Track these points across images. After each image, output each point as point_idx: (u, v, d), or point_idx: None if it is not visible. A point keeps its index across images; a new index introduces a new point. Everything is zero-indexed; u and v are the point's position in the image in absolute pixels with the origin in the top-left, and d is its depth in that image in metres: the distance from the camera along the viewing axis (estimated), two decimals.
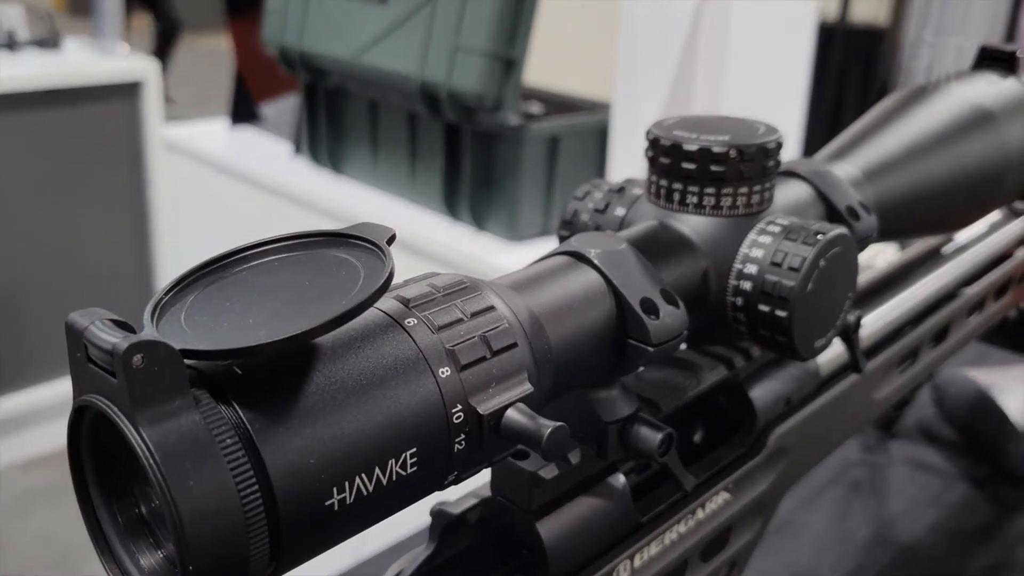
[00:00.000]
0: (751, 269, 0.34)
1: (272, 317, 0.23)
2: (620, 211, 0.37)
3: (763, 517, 0.40)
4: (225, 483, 0.21)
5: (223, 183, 1.57)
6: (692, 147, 0.33)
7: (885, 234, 0.42)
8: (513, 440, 0.26)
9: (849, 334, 0.41)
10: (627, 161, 1.08)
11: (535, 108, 1.31)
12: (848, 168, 0.41)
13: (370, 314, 0.25)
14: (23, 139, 1.73)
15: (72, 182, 1.81)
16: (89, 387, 0.21)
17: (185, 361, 0.21)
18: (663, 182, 0.35)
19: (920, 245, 0.54)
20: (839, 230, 0.34)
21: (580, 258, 0.31)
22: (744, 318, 0.34)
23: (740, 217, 0.34)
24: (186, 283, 0.24)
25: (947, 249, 0.54)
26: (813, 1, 1.02)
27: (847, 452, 0.76)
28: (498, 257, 1.17)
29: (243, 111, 1.72)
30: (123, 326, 0.21)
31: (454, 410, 0.25)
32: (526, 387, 0.26)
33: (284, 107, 1.76)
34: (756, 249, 0.34)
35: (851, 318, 0.40)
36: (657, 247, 0.34)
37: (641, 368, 0.34)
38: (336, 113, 1.43)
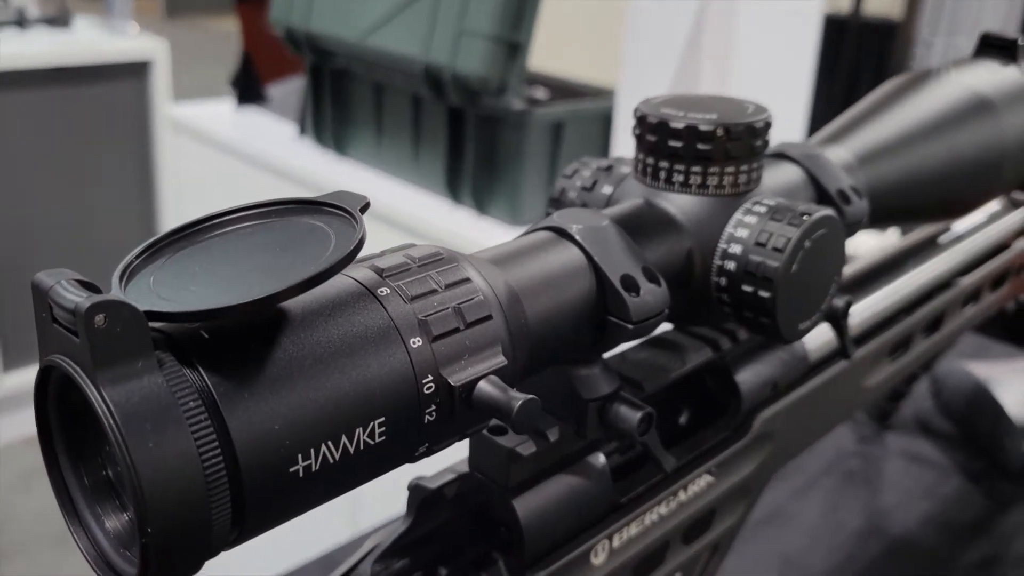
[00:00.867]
0: (736, 249, 0.33)
1: (240, 281, 0.23)
2: (607, 189, 0.36)
3: (747, 501, 0.40)
4: (187, 446, 0.21)
5: (228, 163, 1.57)
6: (679, 125, 0.33)
7: (877, 219, 0.41)
8: (485, 412, 0.26)
9: (837, 319, 0.40)
10: (631, 148, 1.07)
11: (540, 93, 1.31)
12: (841, 152, 0.40)
13: (343, 283, 0.25)
14: (32, 117, 1.73)
15: (80, 160, 1.82)
16: (54, 347, 0.21)
17: (151, 324, 0.21)
18: (649, 160, 0.35)
19: (916, 234, 0.53)
20: (825, 212, 0.33)
21: (562, 234, 0.31)
22: (728, 299, 0.34)
23: (726, 197, 0.34)
24: (157, 248, 0.24)
25: (944, 238, 0.54)
26: None
27: (842, 443, 0.76)
28: (499, 241, 1.17)
29: (249, 92, 1.72)
30: (89, 287, 0.21)
31: (425, 380, 0.25)
32: (499, 359, 0.26)
33: (290, 88, 1.76)
34: (741, 229, 0.33)
35: (839, 303, 0.40)
36: (641, 225, 0.33)
37: (624, 347, 0.34)
38: (341, 95, 1.43)
